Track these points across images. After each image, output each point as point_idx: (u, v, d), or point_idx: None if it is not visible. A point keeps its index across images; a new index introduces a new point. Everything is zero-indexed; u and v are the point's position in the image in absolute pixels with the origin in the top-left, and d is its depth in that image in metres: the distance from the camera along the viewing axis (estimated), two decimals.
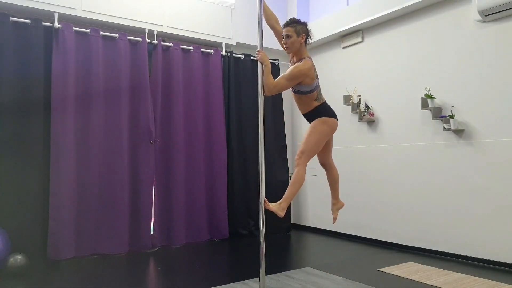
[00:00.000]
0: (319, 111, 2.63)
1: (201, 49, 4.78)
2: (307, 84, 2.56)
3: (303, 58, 2.59)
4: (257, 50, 2.55)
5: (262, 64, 2.52)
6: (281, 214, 2.46)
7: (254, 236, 4.86)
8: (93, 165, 4.02)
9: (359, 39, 4.71)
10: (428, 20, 4.02)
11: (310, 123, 2.67)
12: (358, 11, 4.55)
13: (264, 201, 2.43)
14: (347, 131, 4.79)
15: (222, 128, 4.86)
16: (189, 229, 4.58)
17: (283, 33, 2.59)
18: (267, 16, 2.66)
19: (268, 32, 2.71)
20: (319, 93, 2.66)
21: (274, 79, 2.54)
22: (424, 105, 3.90)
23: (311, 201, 5.34)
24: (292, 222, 5.42)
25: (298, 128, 5.55)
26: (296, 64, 2.57)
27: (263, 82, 2.52)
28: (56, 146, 3.82)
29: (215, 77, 4.85)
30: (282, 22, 2.70)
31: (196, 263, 3.78)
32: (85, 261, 3.82)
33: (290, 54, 2.72)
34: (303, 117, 2.77)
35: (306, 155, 2.55)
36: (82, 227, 3.93)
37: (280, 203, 2.49)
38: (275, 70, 5.25)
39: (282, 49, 2.76)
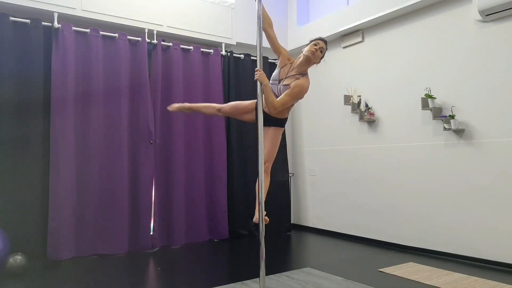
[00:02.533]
0: (279, 121, 2.76)
1: (201, 49, 4.77)
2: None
3: (305, 74, 2.70)
4: (256, 69, 2.53)
5: (261, 84, 2.51)
6: (266, 219, 2.51)
7: (254, 237, 4.86)
8: (92, 165, 4.02)
9: (360, 39, 4.70)
10: (429, 20, 4.01)
11: (264, 124, 2.52)
12: (358, 11, 4.54)
13: (265, 219, 2.46)
14: (347, 131, 4.79)
15: (222, 127, 4.85)
16: (189, 229, 4.57)
17: (320, 45, 2.70)
18: (262, 18, 2.66)
19: None
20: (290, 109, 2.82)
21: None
22: (425, 105, 3.89)
23: (311, 201, 5.34)
24: (292, 222, 5.42)
25: (298, 128, 5.54)
26: (299, 83, 2.63)
27: (266, 100, 2.56)
28: (55, 146, 3.82)
29: (215, 77, 4.84)
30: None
31: (196, 263, 3.78)
32: (85, 261, 3.81)
33: (281, 57, 2.78)
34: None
35: (269, 164, 2.72)
36: (82, 227, 3.93)
37: (255, 214, 2.59)
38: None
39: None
